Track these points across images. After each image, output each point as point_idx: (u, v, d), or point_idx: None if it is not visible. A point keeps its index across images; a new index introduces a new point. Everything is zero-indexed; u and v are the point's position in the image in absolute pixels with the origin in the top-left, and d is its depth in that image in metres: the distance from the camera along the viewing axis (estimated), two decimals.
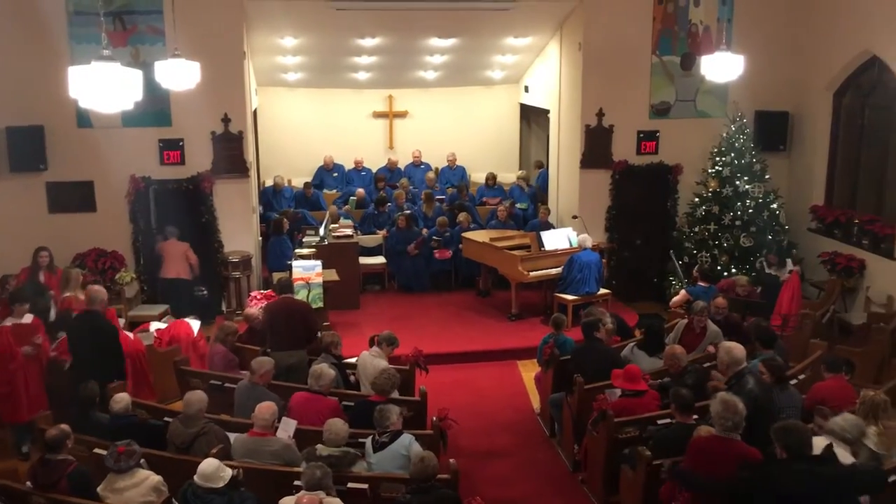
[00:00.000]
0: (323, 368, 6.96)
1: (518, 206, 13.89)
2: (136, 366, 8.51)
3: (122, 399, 6.52)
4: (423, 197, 13.78)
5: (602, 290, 11.15)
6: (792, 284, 10.04)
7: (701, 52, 11.52)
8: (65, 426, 5.72)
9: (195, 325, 9.67)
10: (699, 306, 8.38)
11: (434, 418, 6.73)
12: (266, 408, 6.12)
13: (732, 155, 11.60)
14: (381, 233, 13.15)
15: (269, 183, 14.28)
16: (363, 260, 12.61)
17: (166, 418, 6.65)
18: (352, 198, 14.06)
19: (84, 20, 10.51)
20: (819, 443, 5.30)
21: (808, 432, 4.98)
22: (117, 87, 5.32)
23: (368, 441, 6.16)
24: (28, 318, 8.02)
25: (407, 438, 6.08)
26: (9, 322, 7.91)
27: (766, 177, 11.70)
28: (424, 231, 12.92)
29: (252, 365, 7.09)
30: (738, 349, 6.58)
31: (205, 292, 11.32)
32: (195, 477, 5.29)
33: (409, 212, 13.07)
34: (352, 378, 7.88)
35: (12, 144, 10.49)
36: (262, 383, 6.96)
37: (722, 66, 8.81)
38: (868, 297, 10.63)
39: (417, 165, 15.26)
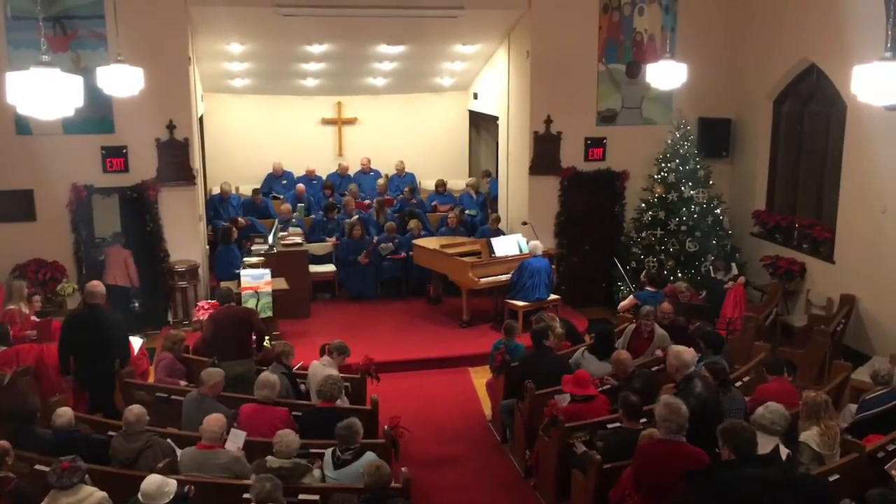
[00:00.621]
0: (268, 377, 6.87)
1: (468, 212, 13.94)
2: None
3: (64, 413, 6.33)
4: (374, 204, 13.73)
5: (552, 296, 11.24)
6: (736, 292, 10.28)
7: (646, 60, 11.73)
8: (4, 442, 5.54)
9: (136, 342, 9.17)
10: (646, 310, 8.51)
11: (386, 427, 6.71)
12: (214, 420, 6.01)
13: (677, 161, 11.81)
14: (331, 240, 13.05)
15: (215, 191, 14.07)
16: (313, 268, 12.50)
17: (110, 433, 6.48)
18: (300, 204, 13.96)
19: (22, 25, 10.23)
20: (763, 442, 5.39)
21: (754, 433, 5.06)
22: (57, 93, 5.21)
23: (328, 455, 6.03)
24: None
25: (371, 456, 5.91)
26: None
27: (710, 182, 11.94)
28: (375, 238, 12.87)
29: (202, 376, 6.96)
30: (687, 353, 6.68)
31: (136, 305, 11.07)
32: (139, 496, 5.16)
33: (358, 218, 13.00)
34: (302, 387, 7.80)
35: None
36: (211, 395, 6.84)
37: (666, 74, 8.96)
38: (809, 299, 10.92)
39: (367, 172, 15.19)
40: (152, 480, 5.19)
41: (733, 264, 11.02)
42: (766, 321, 10.21)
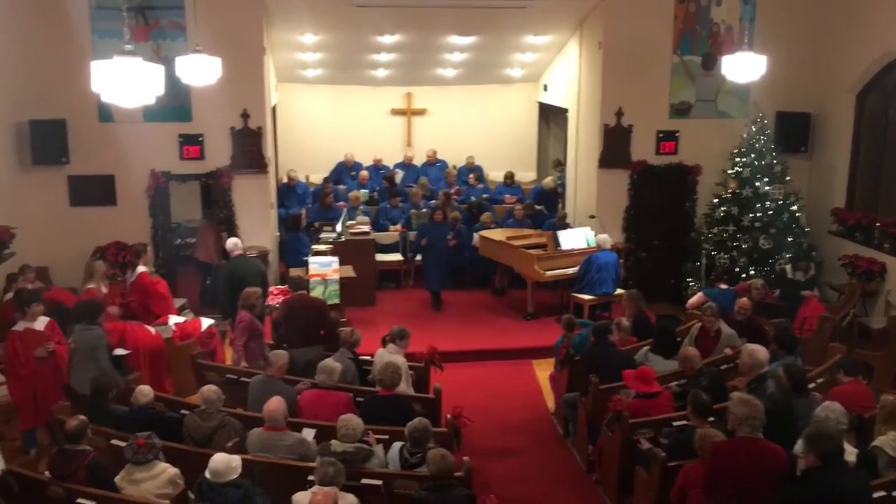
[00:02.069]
0: (330, 363, 6.99)
1: (537, 207, 13.80)
2: (154, 359, 8.54)
3: (148, 392, 6.56)
4: (440, 196, 13.73)
5: (619, 291, 11.10)
6: (812, 303, 9.92)
7: (722, 51, 11.44)
8: (83, 417, 5.77)
9: (206, 322, 9.57)
10: (705, 306, 8.35)
11: (448, 416, 6.73)
12: (274, 405, 6.09)
13: (753, 156, 11.52)
14: (395, 228, 13.15)
15: (285, 179, 14.33)
16: (379, 257, 12.62)
17: (183, 411, 6.69)
18: (363, 190, 14.10)
19: (106, 15, 10.61)
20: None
21: (841, 439, 4.88)
22: (139, 81, 5.36)
23: (395, 451, 6.04)
24: (42, 323, 7.77)
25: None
26: (20, 327, 7.69)
27: (787, 178, 11.61)
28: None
29: (269, 357, 7.13)
30: (760, 352, 6.53)
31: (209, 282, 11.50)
32: (207, 474, 5.32)
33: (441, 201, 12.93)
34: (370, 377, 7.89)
35: (35, 138, 10.60)
36: (278, 376, 7.00)
37: (743, 67, 8.73)
38: (888, 301, 10.52)
39: (433, 164, 15.24)
40: (220, 459, 5.34)
41: (811, 264, 10.68)
42: (842, 322, 9.88)
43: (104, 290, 9.19)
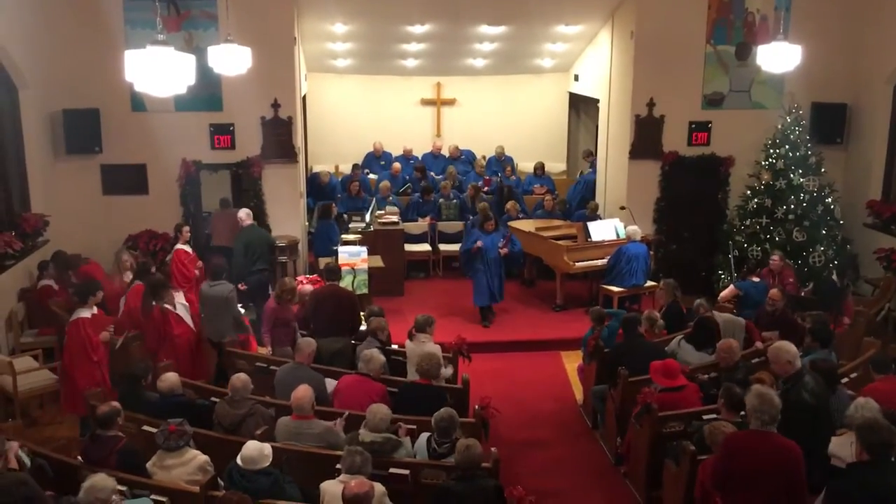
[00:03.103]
0: (373, 353, 7.00)
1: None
2: (190, 346, 8.59)
3: (167, 378, 6.63)
4: (469, 190, 13.70)
5: (649, 283, 11.02)
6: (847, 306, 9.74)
7: (757, 41, 11.26)
8: (116, 403, 5.85)
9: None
10: (697, 302, 8.23)
11: (476, 407, 6.72)
12: (302, 393, 6.10)
13: (787, 147, 11.33)
14: (425, 220, 13.15)
15: (315, 168, 14.37)
16: (408, 247, 12.64)
17: (213, 398, 6.75)
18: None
19: (139, 5, 10.69)
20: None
21: (893, 433, 4.73)
22: (171, 71, 5.40)
23: (422, 441, 6.05)
24: (93, 311, 7.96)
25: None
26: (86, 314, 7.84)
27: (822, 170, 11.40)
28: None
29: (298, 345, 7.19)
30: (790, 351, 6.41)
31: None
32: (238, 460, 5.36)
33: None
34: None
35: (69, 127, 10.75)
36: (306, 363, 7.05)
37: (778, 57, 8.59)
38: None
39: (456, 158, 15.18)
40: (253, 446, 5.39)
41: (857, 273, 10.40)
42: (877, 316, 9.72)
43: (126, 279, 9.27)
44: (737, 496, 5.12)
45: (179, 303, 8.56)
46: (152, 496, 5.30)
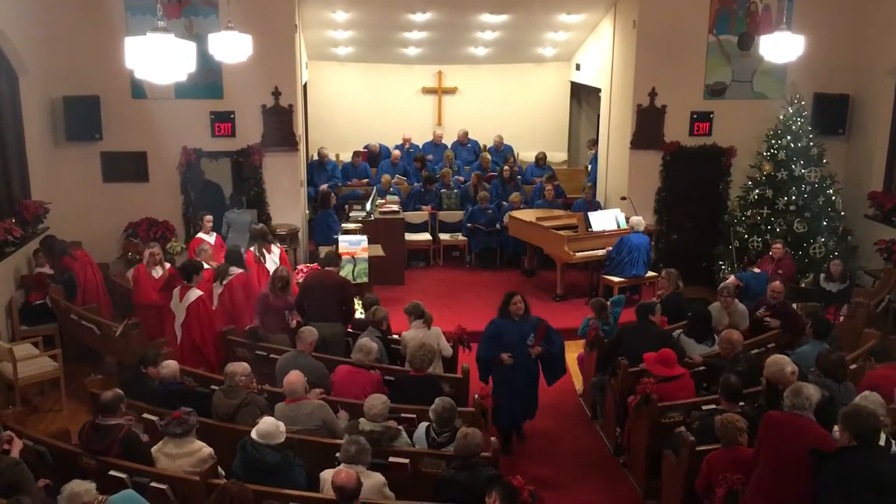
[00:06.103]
0: (367, 342, 7.01)
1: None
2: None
3: (167, 366, 6.64)
4: (472, 178, 13.66)
5: (650, 273, 11.01)
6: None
7: (759, 31, 11.23)
8: (119, 390, 5.81)
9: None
10: (721, 285, 8.28)
11: (476, 396, 6.73)
12: (294, 378, 6.19)
13: (789, 138, 11.30)
14: (426, 209, 13.14)
15: (316, 157, 14.34)
16: (409, 236, 12.63)
17: (213, 387, 6.75)
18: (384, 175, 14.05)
19: None
20: None
21: (880, 420, 4.75)
22: (171, 58, 5.38)
23: (421, 431, 6.07)
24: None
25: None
26: (194, 296, 8.06)
27: (824, 161, 11.39)
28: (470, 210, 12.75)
29: (300, 333, 7.19)
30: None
31: None
32: (253, 434, 5.40)
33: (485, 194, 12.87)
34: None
35: (69, 114, 10.72)
36: (308, 352, 7.07)
37: (781, 47, 8.52)
38: None
39: (464, 144, 15.15)
40: (270, 420, 5.47)
41: (847, 272, 10.24)
42: (877, 308, 9.71)
43: (155, 275, 9.23)
44: (771, 478, 5.07)
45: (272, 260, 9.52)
46: (153, 483, 5.30)
